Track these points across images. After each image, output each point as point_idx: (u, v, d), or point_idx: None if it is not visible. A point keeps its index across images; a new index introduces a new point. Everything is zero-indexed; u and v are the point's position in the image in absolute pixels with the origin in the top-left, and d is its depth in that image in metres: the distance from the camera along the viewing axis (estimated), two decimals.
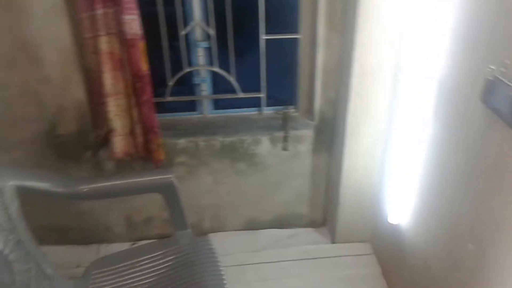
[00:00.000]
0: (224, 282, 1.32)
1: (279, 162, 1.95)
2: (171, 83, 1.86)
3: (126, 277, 1.37)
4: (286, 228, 2.14)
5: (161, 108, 1.85)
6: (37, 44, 1.59)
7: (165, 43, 1.79)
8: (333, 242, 2.05)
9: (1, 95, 1.65)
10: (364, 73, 1.60)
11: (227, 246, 1.98)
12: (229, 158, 1.92)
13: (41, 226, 1.37)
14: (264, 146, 1.90)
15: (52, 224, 1.95)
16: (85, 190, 1.33)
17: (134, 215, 2.00)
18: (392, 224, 1.71)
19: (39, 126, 1.74)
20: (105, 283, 1.35)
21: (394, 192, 1.68)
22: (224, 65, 1.87)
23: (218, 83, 1.97)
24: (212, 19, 1.76)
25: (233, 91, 1.91)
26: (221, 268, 1.36)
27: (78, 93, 1.71)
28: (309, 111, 1.92)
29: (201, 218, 2.06)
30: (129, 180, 1.40)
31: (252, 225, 2.12)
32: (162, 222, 2.01)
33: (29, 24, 1.55)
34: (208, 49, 1.84)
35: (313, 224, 2.15)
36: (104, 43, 1.58)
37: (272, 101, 1.99)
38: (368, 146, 1.77)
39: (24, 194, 1.29)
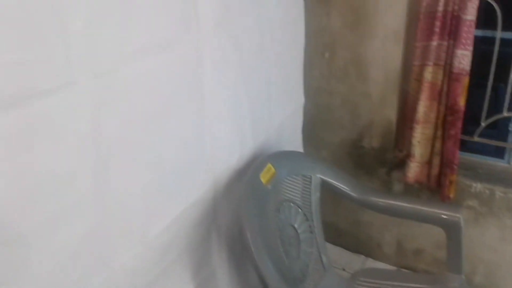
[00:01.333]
0: None
1: None
2: (483, 124, 1.79)
3: None
4: None
5: (465, 146, 1.79)
6: (368, 62, 1.78)
7: (490, 83, 1.73)
8: None
9: (327, 101, 1.92)
10: None
11: None
12: None
13: (324, 221, 1.55)
14: None
15: (333, 223, 2.14)
16: (378, 202, 1.44)
17: (406, 242, 2.01)
18: None
19: (348, 134, 1.95)
20: None
21: None
22: None
23: None
24: None
25: None
26: None
27: (390, 112, 1.83)
28: None
29: (474, 270, 1.91)
30: (418, 206, 1.44)
31: None
32: (432, 259, 1.96)
33: (368, 45, 1.75)
34: None
35: None
36: (429, 73, 1.64)
37: None
38: None
39: (324, 188, 1.50)
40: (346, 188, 1.50)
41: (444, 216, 1.39)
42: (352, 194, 1.49)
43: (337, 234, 2.16)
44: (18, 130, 0.72)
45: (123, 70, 0.90)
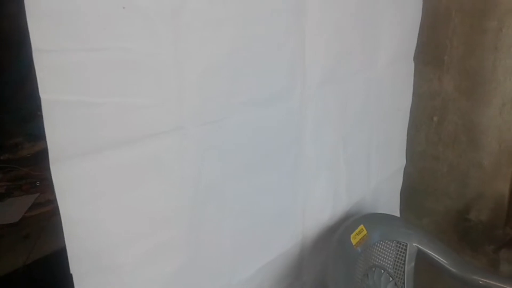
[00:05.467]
0: None
1: None
2: None
3: None
4: None
5: None
6: (482, 130, 1.67)
7: None
8: None
9: (433, 167, 1.83)
10: None
11: None
12: None
13: None
14: None
15: None
16: (479, 281, 1.31)
17: None
18: None
19: (453, 204, 1.83)
20: None
21: None
22: None
23: None
24: None
25: None
26: None
27: (502, 186, 1.69)
28: None
29: None
30: None
31: None
32: None
33: (483, 112, 1.65)
34: None
35: None
36: None
37: None
38: None
39: (419, 259, 1.40)
40: (445, 261, 1.39)
41: None
42: (451, 269, 1.37)
43: None
44: (130, 168, 0.80)
45: (228, 119, 0.96)
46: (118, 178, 0.79)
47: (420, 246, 1.40)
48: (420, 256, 1.41)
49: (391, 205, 1.72)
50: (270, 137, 1.08)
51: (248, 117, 1.00)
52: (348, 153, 1.37)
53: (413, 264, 1.40)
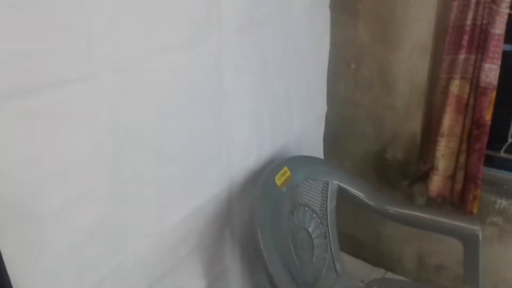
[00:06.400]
0: None
1: None
2: (511, 139, 1.75)
3: None
4: None
5: (491, 162, 1.77)
6: (394, 74, 1.78)
7: None
8: None
9: (352, 112, 1.93)
10: None
11: None
12: None
13: (343, 232, 1.56)
14: None
15: (352, 234, 2.14)
16: (391, 211, 1.44)
17: (428, 257, 1.98)
18: None
19: (371, 146, 1.95)
20: None
21: None
22: None
23: None
24: None
25: None
26: None
27: (414, 125, 1.82)
28: None
29: None
30: (434, 217, 1.42)
31: None
32: (454, 276, 1.91)
33: (395, 57, 1.75)
34: None
35: None
36: (455, 86, 1.63)
37: None
38: None
39: (342, 196, 1.50)
40: (363, 196, 1.50)
41: (462, 228, 1.38)
42: (369, 202, 1.49)
43: (357, 247, 2.15)
44: (38, 116, 0.77)
45: (144, 65, 0.95)
46: (28, 127, 0.76)
47: (340, 184, 1.50)
48: (342, 194, 1.51)
49: (315, 150, 1.80)
50: (188, 83, 1.09)
51: (164, 63, 1.00)
52: (270, 100, 1.41)
53: (335, 201, 1.50)
